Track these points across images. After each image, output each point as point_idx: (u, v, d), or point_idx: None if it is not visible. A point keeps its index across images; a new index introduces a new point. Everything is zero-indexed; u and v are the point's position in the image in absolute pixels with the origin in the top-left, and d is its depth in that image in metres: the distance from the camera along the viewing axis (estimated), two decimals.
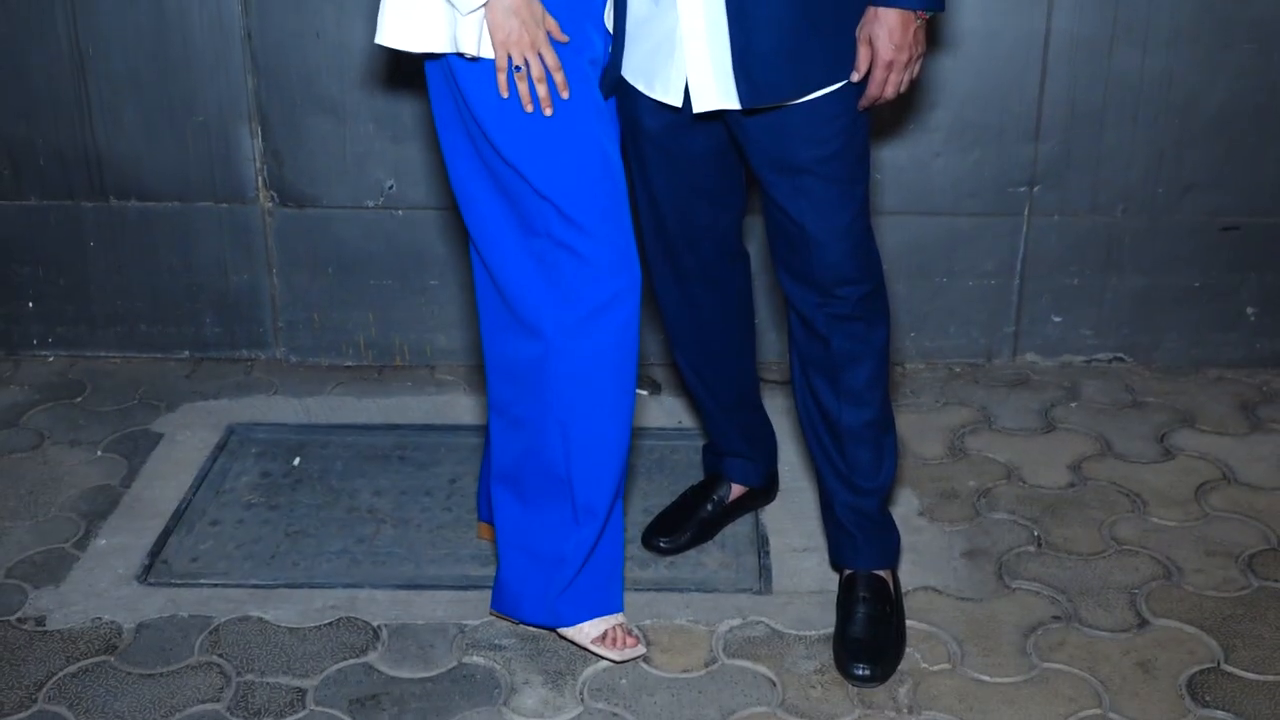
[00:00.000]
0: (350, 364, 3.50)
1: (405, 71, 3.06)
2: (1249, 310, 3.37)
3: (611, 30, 2.32)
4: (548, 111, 2.19)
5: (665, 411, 3.24)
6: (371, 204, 3.35)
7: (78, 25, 3.22)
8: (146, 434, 3.17)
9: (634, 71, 2.32)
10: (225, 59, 3.24)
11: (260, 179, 3.34)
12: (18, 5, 3.21)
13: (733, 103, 2.22)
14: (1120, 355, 3.42)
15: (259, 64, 3.23)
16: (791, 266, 2.38)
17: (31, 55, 3.26)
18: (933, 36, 3.02)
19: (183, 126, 3.31)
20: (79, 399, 3.33)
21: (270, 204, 3.37)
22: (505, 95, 2.18)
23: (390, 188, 3.32)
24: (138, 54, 3.24)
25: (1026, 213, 3.30)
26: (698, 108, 2.24)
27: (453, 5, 2.14)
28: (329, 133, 3.29)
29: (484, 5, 2.12)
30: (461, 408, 3.27)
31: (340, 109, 3.27)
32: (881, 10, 2.17)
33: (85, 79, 3.27)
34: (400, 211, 3.35)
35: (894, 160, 3.25)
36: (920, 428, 3.14)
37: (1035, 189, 3.27)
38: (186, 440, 3.14)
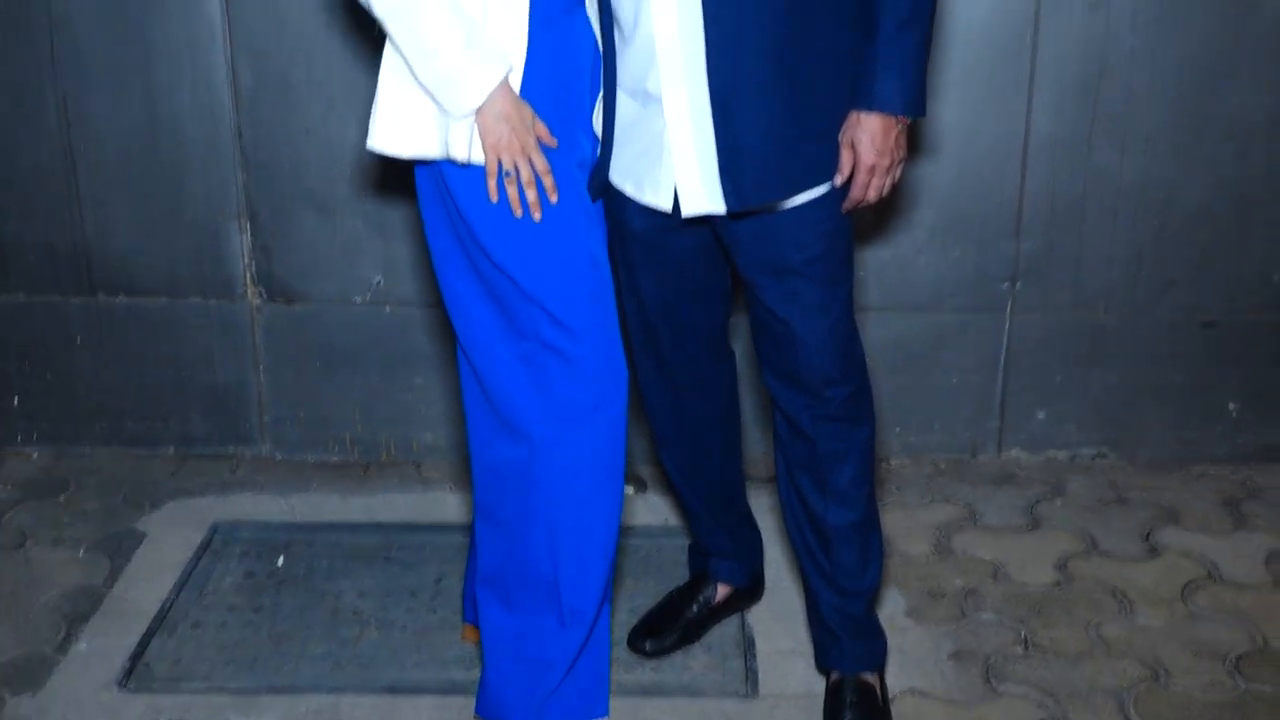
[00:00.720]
0: (336, 460, 3.49)
1: (394, 169, 3.09)
2: (1230, 406, 3.39)
3: (599, 133, 2.35)
4: (536, 216, 2.21)
5: (651, 510, 3.24)
6: (359, 299, 3.36)
7: (69, 120, 3.25)
8: (130, 533, 3.15)
9: (621, 174, 2.35)
10: (216, 155, 3.26)
11: (248, 274, 3.36)
12: (9, 100, 3.24)
13: (719, 207, 2.24)
14: (1104, 451, 3.43)
15: (249, 160, 3.26)
16: (777, 366, 2.40)
17: (22, 150, 3.28)
18: (914, 137, 3.06)
19: (172, 222, 3.32)
20: (62, 496, 3.32)
21: (258, 299, 3.38)
22: (495, 200, 2.21)
23: (378, 283, 3.34)
24: (129, 149, 3.27)
25: (1009, 308, 3.33)
26: (685, 212, 2.27)
27: (444, 111, 2.17)
28: (318, 228, 3.31)
29: (475, 111, 2.15)
30: (447, 505, 3.27)
31: (329, 204, 3.29)
32: (864, 115, 2.21)
33: (76, 174, 3.30)
34: (388, 307, 3.36)
35: (877, 256, 3.28)
36: (906, 525, 3.14)
37: (1017, 285, 3.30)
38: (170, 539, 3.12)
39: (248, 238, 3.33)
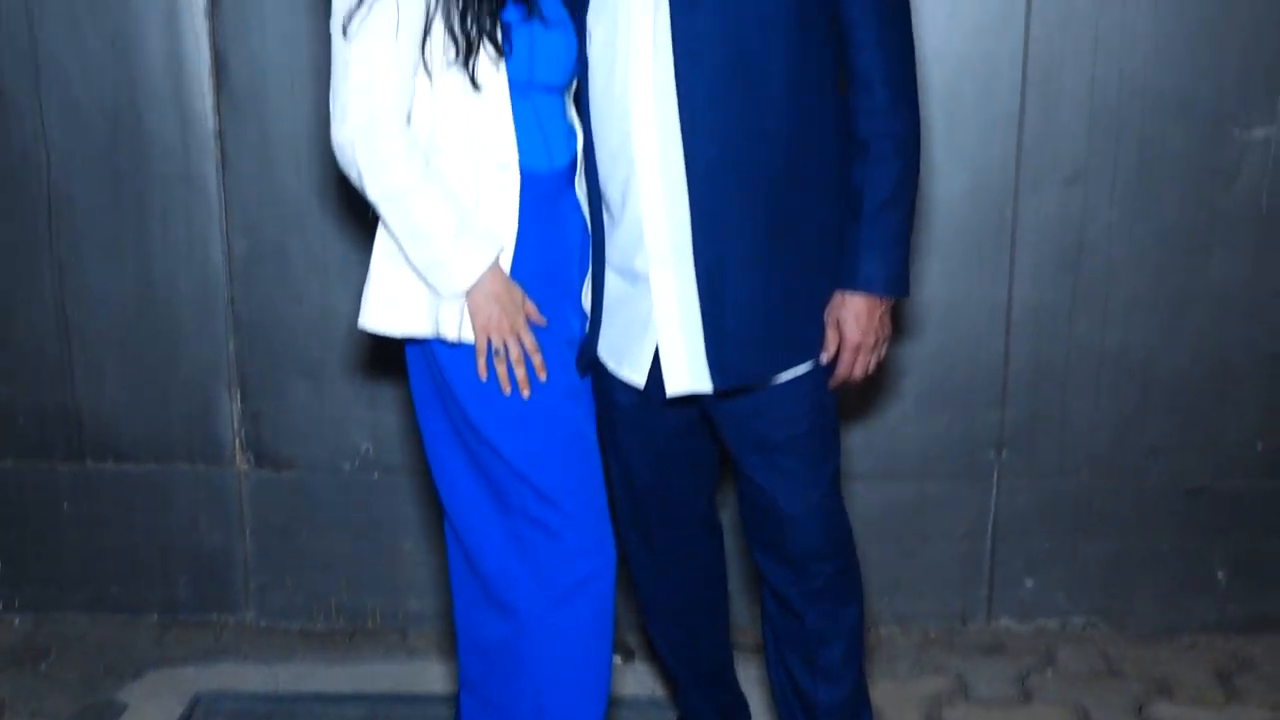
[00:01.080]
0: (321, 627, 3.46)
1: (385, 340, 3.12)
2: (1219, 574, 3.39)
3: (588, 310, 2.39)
4: (525, 394, 2.24)
5: (638, 681, 3.20)
6: (347, 466, 3.37)
7: (64, 288, 3.29)
8: (111, 704, 3.10)
9: (609, 351, 2.38)
10: (208, 322, 3.30)
11: (238, 440, 3.37)
12: (5, 265, 3.29)
13: (705, 386, 2.27)
14: (1094, 620, 3.41)
15: (241, 327, 3.29)
16: (765, 542, 2.40)
17: (17, 317, 3.32)
18: (898, 309, 3.10)
19: (163, 388, 3.35)
20: (43, 665, 3.27)
21: (246, 466, 3.38)
22: (484, 378, 2.23)
23: (366, 451, 3.35)
24: (122, 317, 3.30)
25: (995, 476, 3.34)
26: (671, 391, 2.29)
27: (435, 291, 2.21)
28: (308, 395, 3.33)
29: (466, 292, 2.19)
30: (433, 675, 3.22)
31: (319, 372, 3.32)
32: (848, 295, 2.25)
33: (70, 340, 3.33)
34: (376, 474, 3.37)
35: (863, 425, 3.30)
36: (896, 698, 3.11)
37: (1003, 453, 3.32)
38: (151, 712, 3.07)
39: (238, 404, 3.34)
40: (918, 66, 2.27)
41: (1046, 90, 3.12)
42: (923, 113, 2.30)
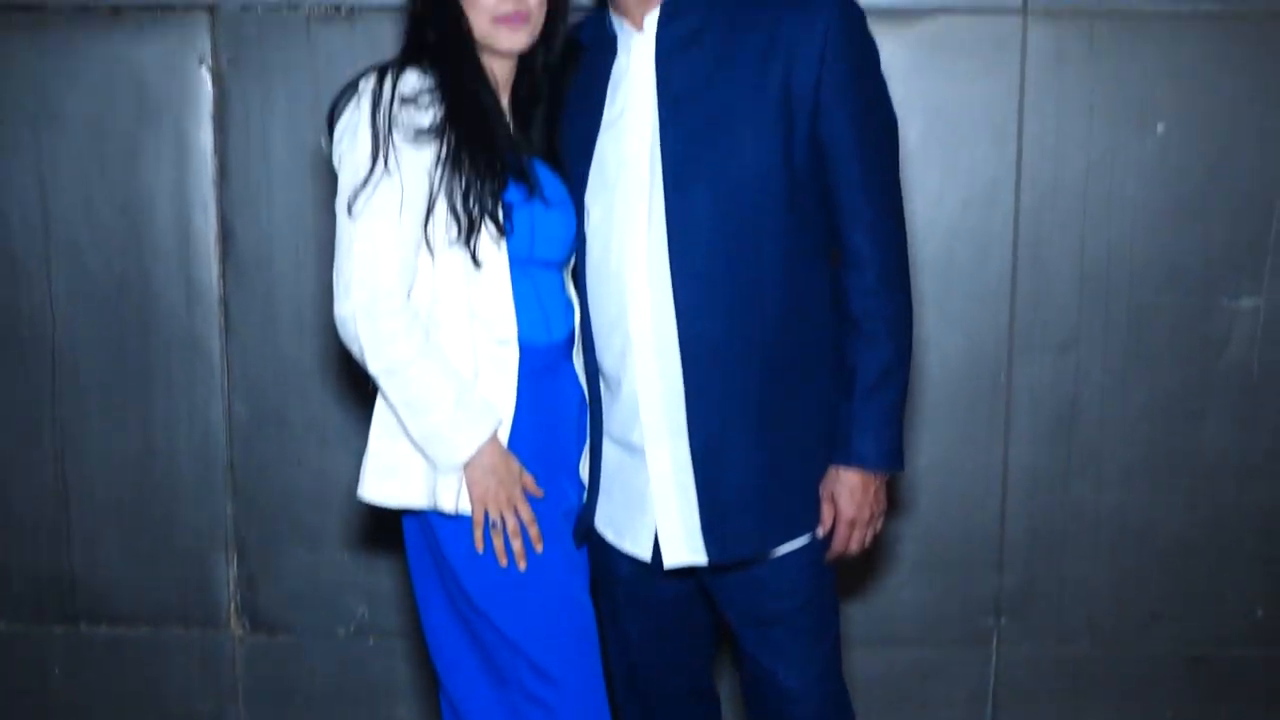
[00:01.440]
0: None
1: (383, 508, 3.13)
2: None
3: (586, 480, 2.40)
4: (522, 566, 2.24)
5: None
6: (343, 631, 3.35)
7: (64, 449, 3.31)
8: None
9: (606, 522, 2.38)
10: (207, 487, 3.31)
11: (233, 604, 3.35)
12: (5, 426, 3.31)
13: (701, 558, 2.27)
14: None
15: (239, 491, 3.31)
16: (765, 715, 2.38)
17: (16, 478, 3.33)
18: (894, 482, 3.11)
19: (160, 551, 3.34)
20: None
21: (241, 630, 3.36)
22: (480, 550, 2.24)
23: (362, 615, 3.34)
24: (121, 481, 3.32)
25: (995, 643, 3.32)
26: (668, 563, 2.29)
27: (432, 464, 2.22)
28: (304, 560, 3.33)
29: (463, 464, 2.20)
30: None
31: (317, 536, 3.32)
32: (843, 470, 2.26)
33: (68, 502, 3.33)
34: (371, 640, 3.35)
35: (861, 591, 3.29)
36: None
37: (1002, 619, 3.31)
38: None
39: (234, 568, 3.34)
40: (909, 237, 2.30)
41: (1037, 258, 3.17)
42: (917, 281, 2.33)
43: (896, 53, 3.02)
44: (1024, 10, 3.09)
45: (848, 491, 2.26)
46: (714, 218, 2.19)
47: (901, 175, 2.30)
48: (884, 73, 2.26)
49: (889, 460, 2.26)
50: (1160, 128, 3.12)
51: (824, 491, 2.29)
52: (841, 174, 2.19)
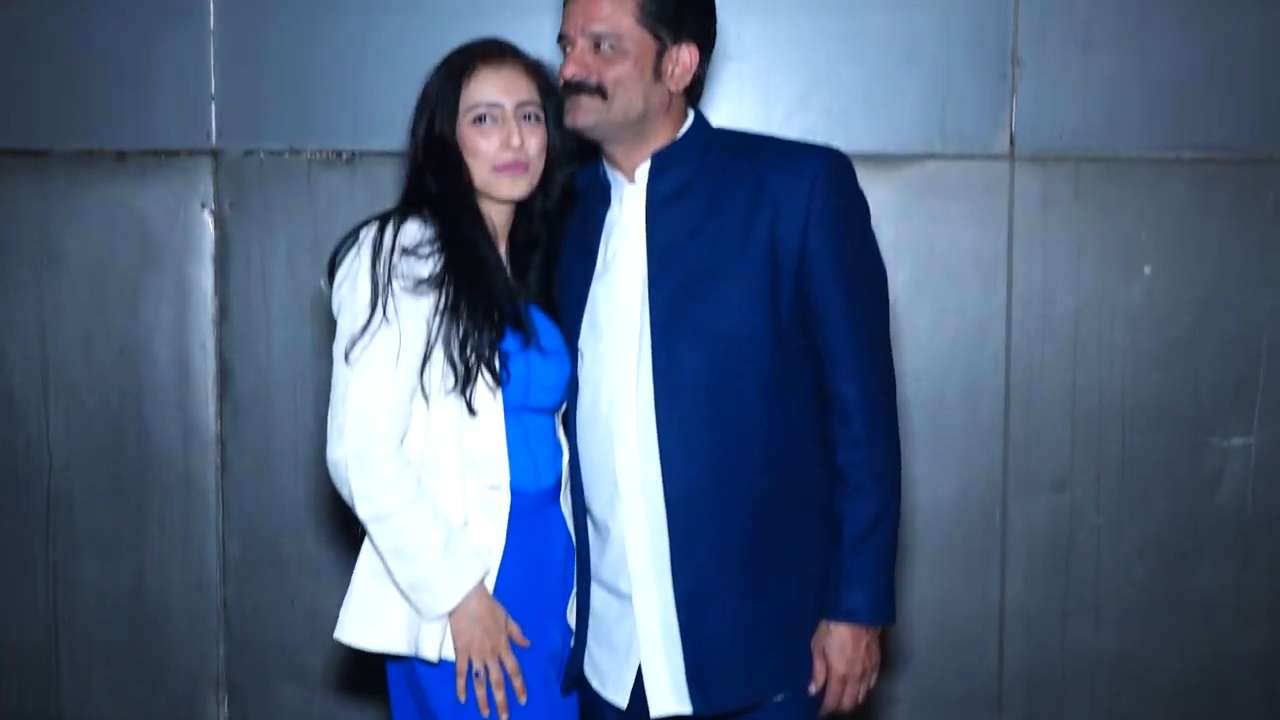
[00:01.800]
0: None
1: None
2: None
3: (573, 624, 2.38)
4: (504, 717, 2.21)
5: None
6: None
7: (56, 590, 3.30)
8: None
9: (593, 669, 2.35)
10: (199, 627, 3.30)
11: None
12: (3, 565, 3.30)
13: (686, 708, 2.24)
14: None
15: (232, 632, 3.29)
16: None
17: (7, 618, 3.32)
18: (888, 633, 3.10)
19: (150, 692, 3.32)
20: None
21: None
22: (463, 699, 2.21)
23: None
24: (114, 622, 3.30)
25: None
26: (654, 712, 2.26)
27: (418, 611, 2.21)
28: (296, 699, 3.30)
29: (449, 613, 2.19)
30: None
31: (309, 677, 3.29)
32: (834, 625, 2.22)
33: (58, 642, 3.32)
34: None
35: None
36: None
37: None
38: None
39: (225, 709, 3.31)
40: (900, 377, 2.30)
41: (1029, 398, 3.20)
42: (909, 421, 2.34)
43: (887, 197, 3.08)
44: (1011, 155, 3.16)
45: (839, 647, 2.22)
46: (700, 368, 2.20)
47: (892, 317, 2.31)
48: (875, 216, 2.26)
49: (879, 613, 2.23)
50: (1147, 269, 3.17)
51: (815, 647, 2.25)
52: (828, 326, 2.19)
